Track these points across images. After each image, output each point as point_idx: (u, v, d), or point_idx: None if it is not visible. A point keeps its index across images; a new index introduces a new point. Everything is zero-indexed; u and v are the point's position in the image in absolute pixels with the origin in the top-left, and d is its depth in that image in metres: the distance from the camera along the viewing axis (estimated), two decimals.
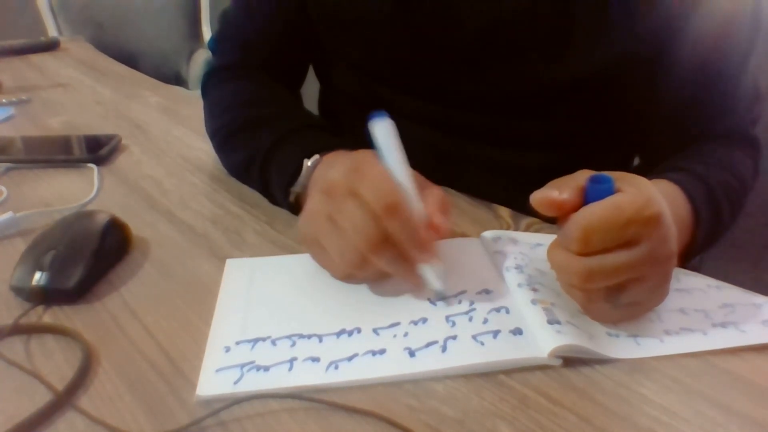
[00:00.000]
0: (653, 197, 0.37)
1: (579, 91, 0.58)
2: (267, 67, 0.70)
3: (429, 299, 0.43)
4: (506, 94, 0.60)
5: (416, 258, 0.42)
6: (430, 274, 0.42)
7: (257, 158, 0.58)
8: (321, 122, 0.63)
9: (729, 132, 0.60)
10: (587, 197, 0.38)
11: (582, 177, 0.39)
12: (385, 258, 0.41)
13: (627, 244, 0.37)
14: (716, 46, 0.55)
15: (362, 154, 0.44)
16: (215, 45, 0.73)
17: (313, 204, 0.44)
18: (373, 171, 0.41)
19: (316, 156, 0.52)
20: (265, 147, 0.57)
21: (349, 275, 0.44)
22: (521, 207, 0.58)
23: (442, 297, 0.43)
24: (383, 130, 0.44)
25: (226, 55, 0.72)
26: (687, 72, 0.56)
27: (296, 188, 0.53)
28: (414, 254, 0.41)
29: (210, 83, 0.71)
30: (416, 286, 0.43)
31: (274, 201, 0.59)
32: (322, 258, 0.45)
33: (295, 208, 0.55)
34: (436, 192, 0.45)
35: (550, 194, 0.38)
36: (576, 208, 0.38)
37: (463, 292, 0.44)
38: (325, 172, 0.46)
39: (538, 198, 0.39)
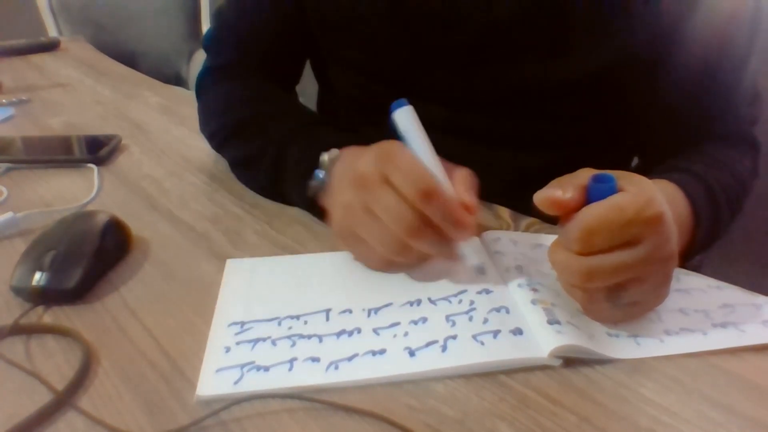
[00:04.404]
0: (655, 197, 0.37)
1: (578, 91, 0.58)
2: (261, 67, 0.70)
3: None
4: (505, 95, 0.60)
5: (455, 236, 0.43)
6: (468, 250, 0.44)
7: (268, 154, 0.57)
8: (324, 119, 0.64)
9: (728, 132, 0.60)
10: (590, 196, 0.38)
11: (584, 176, 0.39)
12: (426, 241, 0.42)
13: (628, 243, 0.37)
14: (715, 47, 0.55)
15: (388, 144, 0.44)
16: (210, 44, 0.73)
17: (345, 197, 0.44)
18: (403, 158, 0.42)
19: (335, 150, 0.51)
20: (277, 142, 0.57)
21: (389, 263, 0.45)
22: (521, 207, 0.58)
23: (482, 271, 0.44)
24: (405, 117, 0.45)
25: (220, 55, 0.72)
26: (686, 72, 0.56)
27: (315, 182, 0.52)
28: (453, 234, 0.42)
29: (204, 84, 0.71)
30: (455, 264, 0.45)
31: (281, 197, 0.58)
32: (359, 249, 0.46)
33: (311, 203, 0.54)
34: (463, 172, 0.46)
35: (554, 193, 0.38)
36: (579, 207, 0.38)
37: (463, 292, 0.44)
38: (351, 165, 0.46)
39: (542, 197, 0.39)
